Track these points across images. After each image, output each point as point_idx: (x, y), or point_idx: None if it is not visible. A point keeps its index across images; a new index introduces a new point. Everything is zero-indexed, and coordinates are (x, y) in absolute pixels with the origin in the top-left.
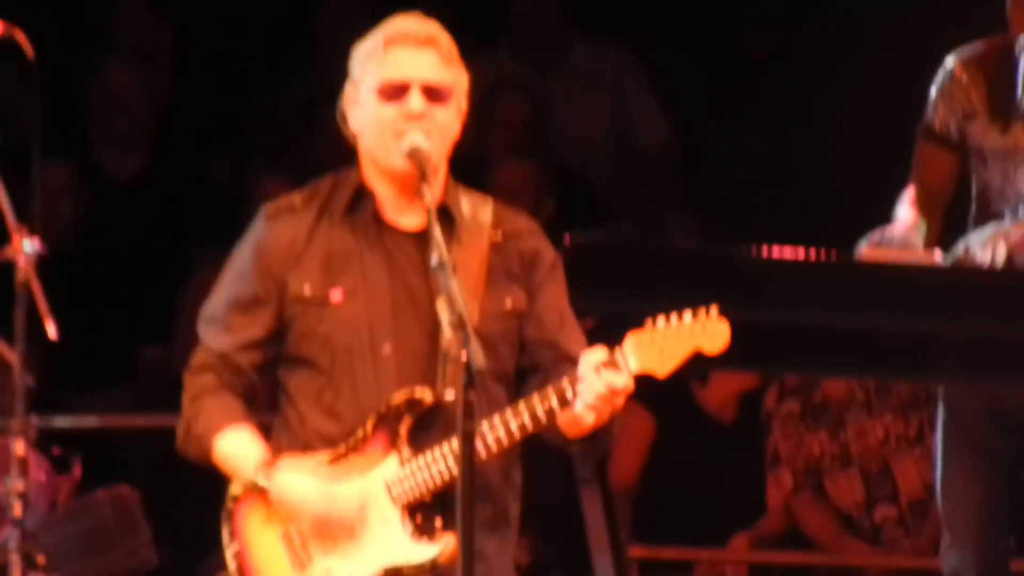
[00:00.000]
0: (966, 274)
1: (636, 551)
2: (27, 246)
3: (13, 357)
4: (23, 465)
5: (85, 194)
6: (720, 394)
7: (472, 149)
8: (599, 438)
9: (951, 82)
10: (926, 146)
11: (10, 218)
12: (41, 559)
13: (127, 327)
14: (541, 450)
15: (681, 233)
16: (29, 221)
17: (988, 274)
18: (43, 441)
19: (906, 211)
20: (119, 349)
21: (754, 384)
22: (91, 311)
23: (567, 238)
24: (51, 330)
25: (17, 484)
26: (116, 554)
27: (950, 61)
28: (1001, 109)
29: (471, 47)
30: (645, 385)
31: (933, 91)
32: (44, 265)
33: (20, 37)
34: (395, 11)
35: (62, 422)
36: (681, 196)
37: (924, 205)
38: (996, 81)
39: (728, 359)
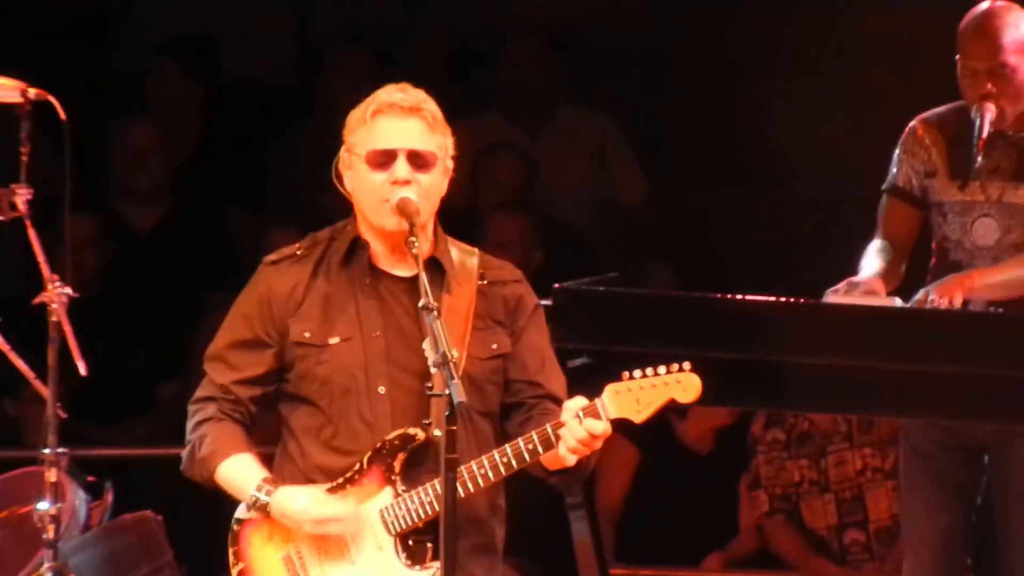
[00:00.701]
0: (924, 316)
1: (617, 571)
2: (59, 292)
3: (46, 392)
4: (55, 491)
5: (109, 245)
6: (698, 428)
7: (468, 204)
8: (577, 472)
9: (914, 143)
10: (891, 201)
11: (44, 267)
12: (70, 569)
13: (146, 365)
14: (530, 477)
15: (659, 282)
16: (60, 270)
17: (944, 315)
18: (75, 470)
19: (872, 261)
20: (139, 385)
21: (730, 419)
22: (114, 351)
23: (557, 286)
24: (81, 368)
25: (50, 509)
26: (140, 573)
27: (914, 124)
28: (959, 168)
29: (466, 111)
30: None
31: (898, 151)
32: (73, 309)
33: (54, 102)
34: (393, 78)
35: (89, 452)
36: (658, 248)
37: (888, 257)
38: (954, 142)
39: (704, 397)
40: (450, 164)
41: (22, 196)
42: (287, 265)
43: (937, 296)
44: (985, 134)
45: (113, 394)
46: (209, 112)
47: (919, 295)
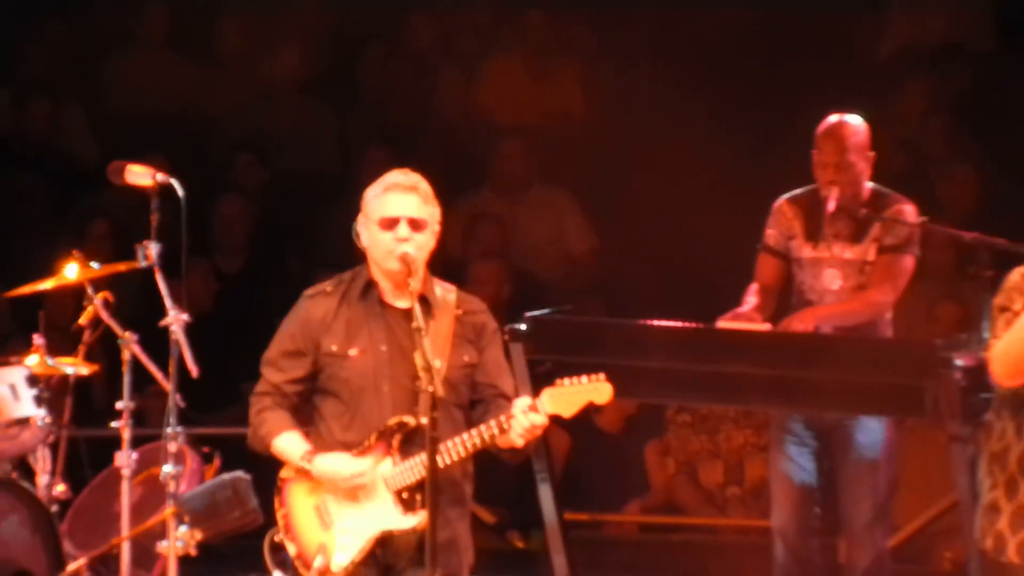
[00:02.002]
0: (788, 337)
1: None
2: (179, 317)
3: (168, 387)
4: (176, 457)
5: (211, 283)
6: (610, 417)
7: (459, 254)
8: (522, 451)
9: (780, 214)
10: (764, 256)
11: (167, 299)
12: (188, 520)
13: (235, 368)
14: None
15: (594, 311)
16: (179, 301)
17: (803, 337)
18: (192, 443)
19: (751, 299)
20: (230, 383)
21: (635, 409)
22: (213, 358)
23: (527, 315)
24: (194, 370)
25: (172, 471)
26: (235, 516)
27: (780, 201)
28: (812, 233)
29: (461, 188)
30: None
31: (769, 220)
32: (188, 329)
33: (175, 184)
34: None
35: (197, 431)
36: (597, 286)
37: (762, 296)
38: (808, 215)
39: (626, 392)
40: (437, 227)
41: (153, 249)
42: (320, 298)
43: (798, 323)
44: (831, 209)
45: (213, 389)
46: (274, 190)
47: (783, 323)
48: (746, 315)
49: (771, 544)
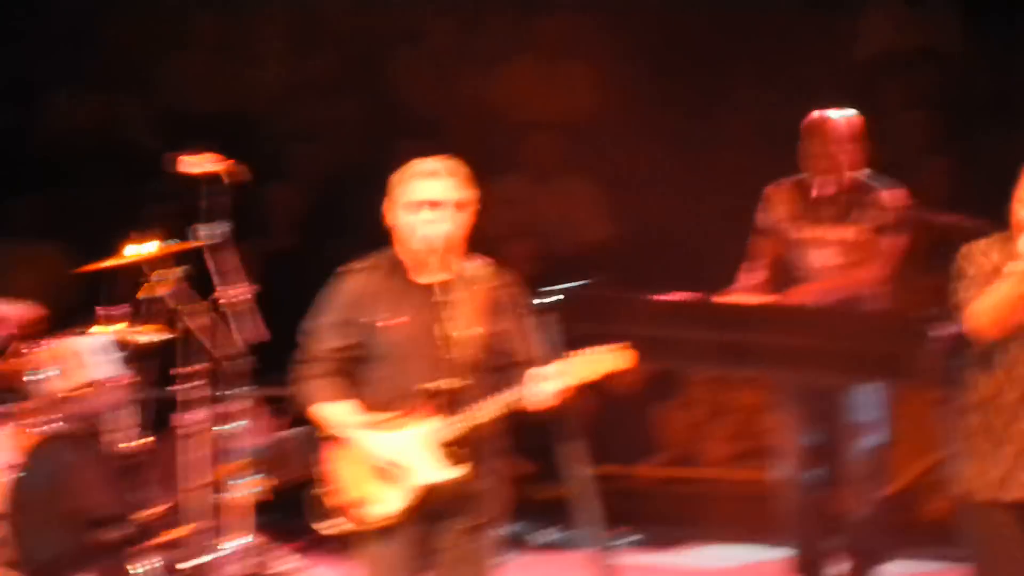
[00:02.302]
0: (788, 309)
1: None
2: (234, 291)
3: (233, 352)
4: (249, 413)
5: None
6: (631, 379)
7: (489, 235)
8: (548, 411)
9: (769, 200)
10: (757, 238)
11: (216, 277)
12: (258, 470)
13: (290, 336)
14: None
15: (611, 286)
16: (245, 277)
17: (802, 309)
18: (262, 401)
19: (751, 275)
20: (288, 349)
21: (653, 373)
22: (274, 327)
23: (554, 287)
24: (263, 335)
25: (244, 426)
26: (296, 464)
27: (770, 188)
28: (799, 217)
29: (481, 177)
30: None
31: (762, 205)
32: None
33: (237, 171)
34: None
35: (269, 391)
36: (614, 263)
37: (756, 274)
38: (796, 200)
39: (645, 358)
40: (470, 210)
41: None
42: (354, 275)
43: (798, 297)
44: (816, 195)
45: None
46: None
47: (787, 295)
48: (748, 290)
49: (777, 495)
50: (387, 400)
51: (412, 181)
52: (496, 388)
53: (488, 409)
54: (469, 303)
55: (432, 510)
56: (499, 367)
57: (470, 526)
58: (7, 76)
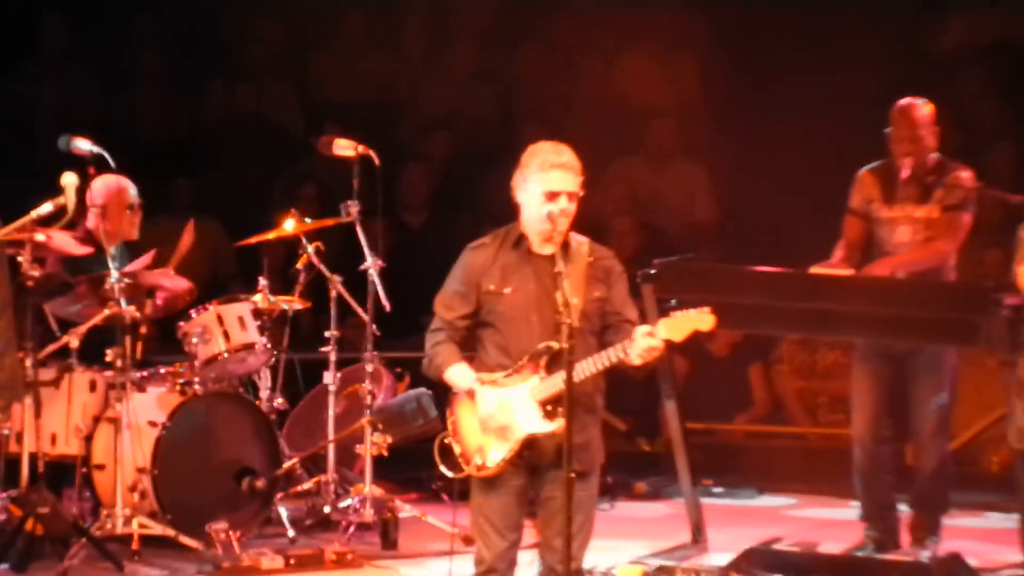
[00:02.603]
0: (865, 281)
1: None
2: (376, 262)
3: (367, 319)
4: (373, 377)
5: (395, 235)
6: (720, 344)
7: (601, 210)
8: (643, 369)
9: (861, 183)
10: (849, 218)
11: (366, 249)
12: (382, 427)
13: (418, 305)
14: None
15: (710, 259)
16: (375, 250)
17: (881, 280)
18: (386, 364)
19: (839, 252)
20: (412, 316)
21: (740, 339)
22: (401, 296)
23: (657, 261)
24: (387, 306)
25: (369, 387)
26: (419, 424)
27: (862, 172)
28: (887, 198)
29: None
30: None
31: (854, 188)
32: (381, 272)
33: (373, 155)
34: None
35: (391, 355)
36: (715, 242)
37: (848, 250)
38: (885, 182)
39: (735, 324)
40: (581, 193)
41: (354, 208)
42: (481, 249)
43: (877, 269)
44: (903, 176)
45: (401, 321)
46: (450, 160)
47: (865, 269)
48: (834, 264)
49: (851, 449)
50: (503, 360)
51: (550, 171)
52: (594, 350)
53: (585, 368)
54: (577, 272)
55: (533, 461)
56: (598, 330)
57: (568, 476)
58: (171, 69)
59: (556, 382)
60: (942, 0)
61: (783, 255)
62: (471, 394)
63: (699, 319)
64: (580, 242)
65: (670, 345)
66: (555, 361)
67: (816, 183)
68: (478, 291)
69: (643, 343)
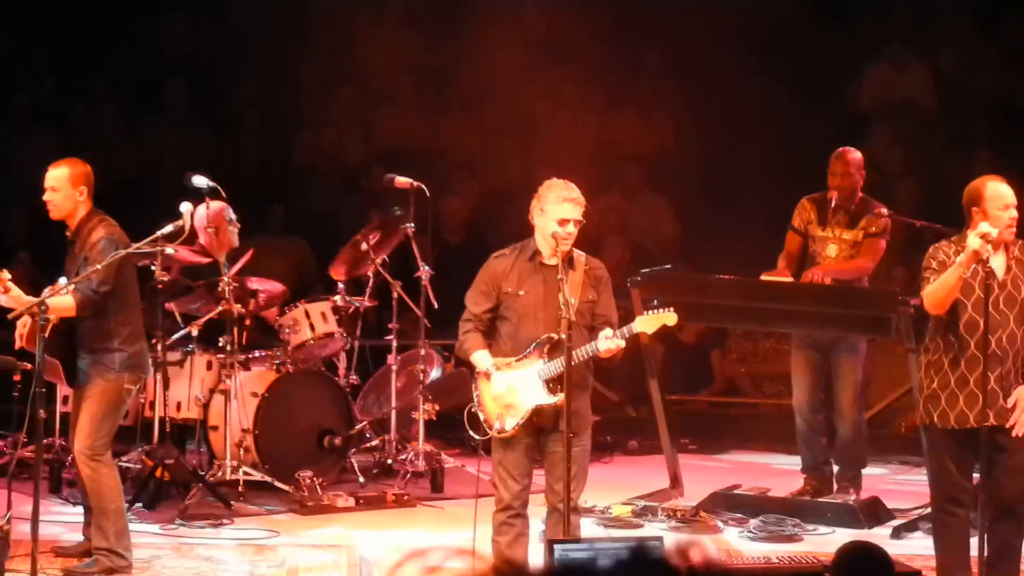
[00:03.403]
0: (807, 285)
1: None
2: (424, 271)
3: (420, 314)
4: (425, 359)
5: (438, 250)
6: (688, 334)
7: (595, 232)
8: (609, 360)
9: (801, 207)
10: (791, 234)
11: (420, 259)
12: (431, 397)
13: (459, 304)
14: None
15: (682, 270)
16: (426, 261)
17: (814, 286)
18: (438, 349)
19: (781, 262)
20: (455, 312)
21: (704, 329)
22: (443, 296)
23: (643, 271)
24: (435, 304)
25: (422, 367)
26: (460, 396)
27: (803, 199)
28: (821, 221)
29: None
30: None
31: (795, 211)
32: (430, 279)
33: (424, 187)
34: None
35: (440, 342)
36: (681, 254)
37: (788, 260)
38: (820, 209)
39: (700, 319)
40: (583, 221)
41: (410, 229)
42: (502, 258)
43: (810, 274)
44: (833, 205)
45: (446, 316)
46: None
47: (802, 276)
48: (778, 272)
49: (791, 416)
50: (514, 347)
51: (563, 203)
52: (587, 340)
53: (578, 355)
54: (576, 279)
55: (540, 425)
56: (589, 326)
57: (571, 435)
58: (267, 122)
59: (557, 365)
60: (860, 68)
61: (744, 265)
62: (487, 375)
63: (666, 316)
64: (579, 255)
65: (647, 335)
66: (556, 348)
67: (761, 209)
68: (499, 291)
69: (604, 343)
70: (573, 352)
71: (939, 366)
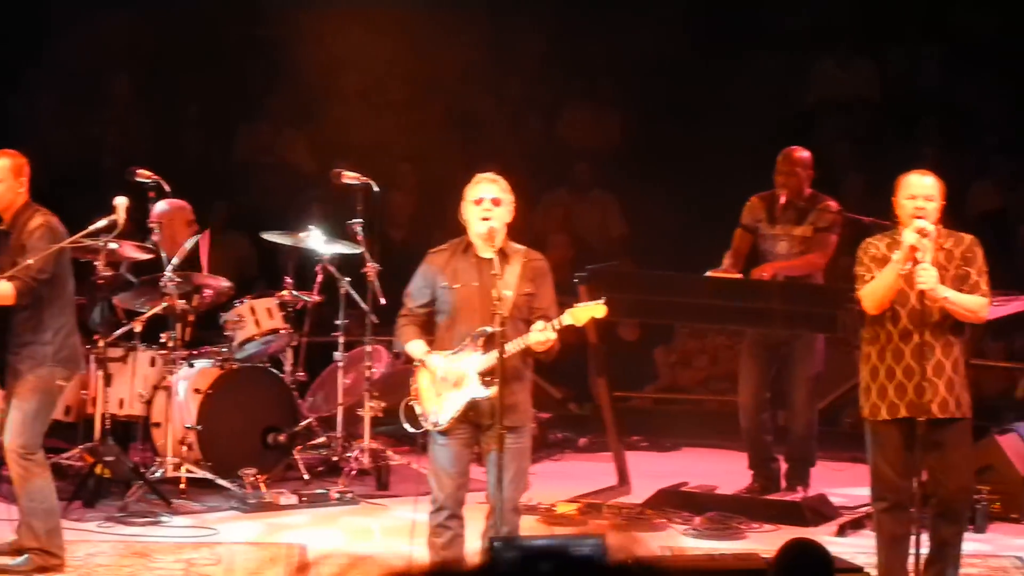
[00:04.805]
0: (752, 283)
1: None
2: (371, 267)
3: (368, 309)
4: (372, 356)
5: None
6: (629, 331)
7: (541, 229)
8: (546, 353)
9: (751, 206)
10: (739, 231)
11: (368, 257)
12: (377, 394)
13: (399, 299)
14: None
15: (625, 267)
16: (373, 258)
17: (762, 282)
18: (383, 345)
19: (727, 259)
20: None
21: (644, 327)
22: (388, 292)
23: (588, 267)
24: (382, 301)
25: (369, 364)
26: (406, 393)
27: (752, 197)
28: (770, 219)
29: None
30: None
31: (745, 209)
32: (377, 275)
33: (372, 183)
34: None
35: (385, 338)
36: (628, 252)
37: (736, 257)
38: (769, 206)
39: (646, 315)
40: (512, 208)
41: (357, 224)
42: (439, 253)
43: (759, 273)
44: (781, 203)
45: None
46: (425, 189)
47: (752, 272)
48: (725, 269)
49: (736, 413)
50: (452, 341)
51: (478, 184)
52: (523, 333)
53: (513, 347)
54: (513, 272)
55: (477, 421)
56: (527, 319)
57: (503, 430)
58: (209, 117)
59: (491, 358)
60: (805, 66)
61: (690, 263)
62: (423, 364)
63: (595, 308)
64: (516, 249)
65: (593, 334)
66: (490, 341)
67: (706, 207)
68: (434, 287)
69: (534, 335)
70: (508, 344)
71: (867, 358)
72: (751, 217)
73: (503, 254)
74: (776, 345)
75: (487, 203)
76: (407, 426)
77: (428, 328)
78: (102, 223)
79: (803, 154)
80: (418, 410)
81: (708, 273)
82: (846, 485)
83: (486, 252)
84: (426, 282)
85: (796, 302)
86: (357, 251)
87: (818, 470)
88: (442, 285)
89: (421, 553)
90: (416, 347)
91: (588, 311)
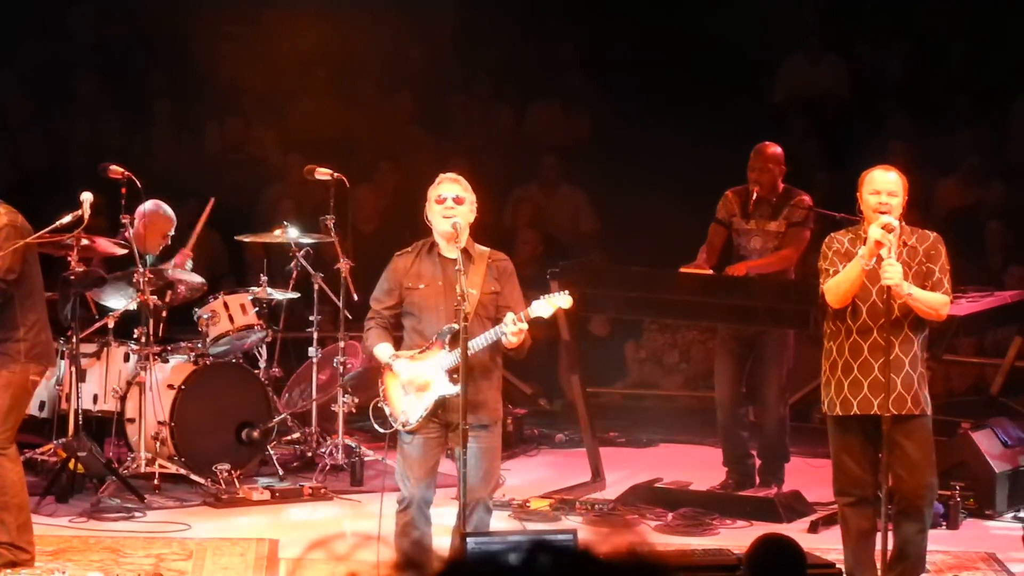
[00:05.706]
0: (724, 279)
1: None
2: (344, 263)
3: (339, 304)
4: (346, 351)
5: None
6: (599, 327)
7: (510, 224)
8: (518, 349)
9: (725, 200)
10: (714, 226)
11: (341, 253)
12: (350, 390)
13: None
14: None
15: (597, 261)
16: (346, 252)
17: (736, 279)
18: (356, 340)
19: (701, 255)
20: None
21: (614, 322)
22: (359, 288)
23: (560, 263)
24: (354, 296)
25: (343, 359)
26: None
27: (727, 192)
28: (743, 214)
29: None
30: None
31: (719, 203)
32: (350, 270)
33: (343, 178)
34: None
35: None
36: (599, 247)
37: (710, 253)
38: (743, 201)
39: (616, 311)
40: (474, 207)
41: (331, 220)
42: (405, 255)
43: (732, 270)
44: (754, 198)
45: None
46: (399, 185)
47: (726, 270)
48: (698, 264)
49: (709, 408)
50: (420, 340)
51: (440, 184)
52: (487, 330)
53: (476, 344)
54: (478, 272)
55: (446, 420)
56: (493, 317)
57: (471, 428)
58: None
59: (458, 355)
60: (773, 63)
61: (663, 258)
62: (389, 367)
63: (561, 299)
64: (482, 250)
65: (558, 326)
66: (457, 339)
67: (678, 202)
68: (400, 288)
69: (510, 327)
70: (473, 340)
71: (828, 353)
72: (725, 211)
73: (467, 254)
74: (750, 340)
75: (449, 202)
76: (376, 426)
77: (397, 326)
78: (66, 219)
79: (776, 149)
80: (387, 411)
81: (681, 269)
82: (822, 481)
83: (450, 252)
84: (392, 284)
85: (768, 298)
86: (329, 240)
87: (794, 465)
88: (408, 286)
89: (389, 551)
90: (383, 351)
91: (553, 303)
